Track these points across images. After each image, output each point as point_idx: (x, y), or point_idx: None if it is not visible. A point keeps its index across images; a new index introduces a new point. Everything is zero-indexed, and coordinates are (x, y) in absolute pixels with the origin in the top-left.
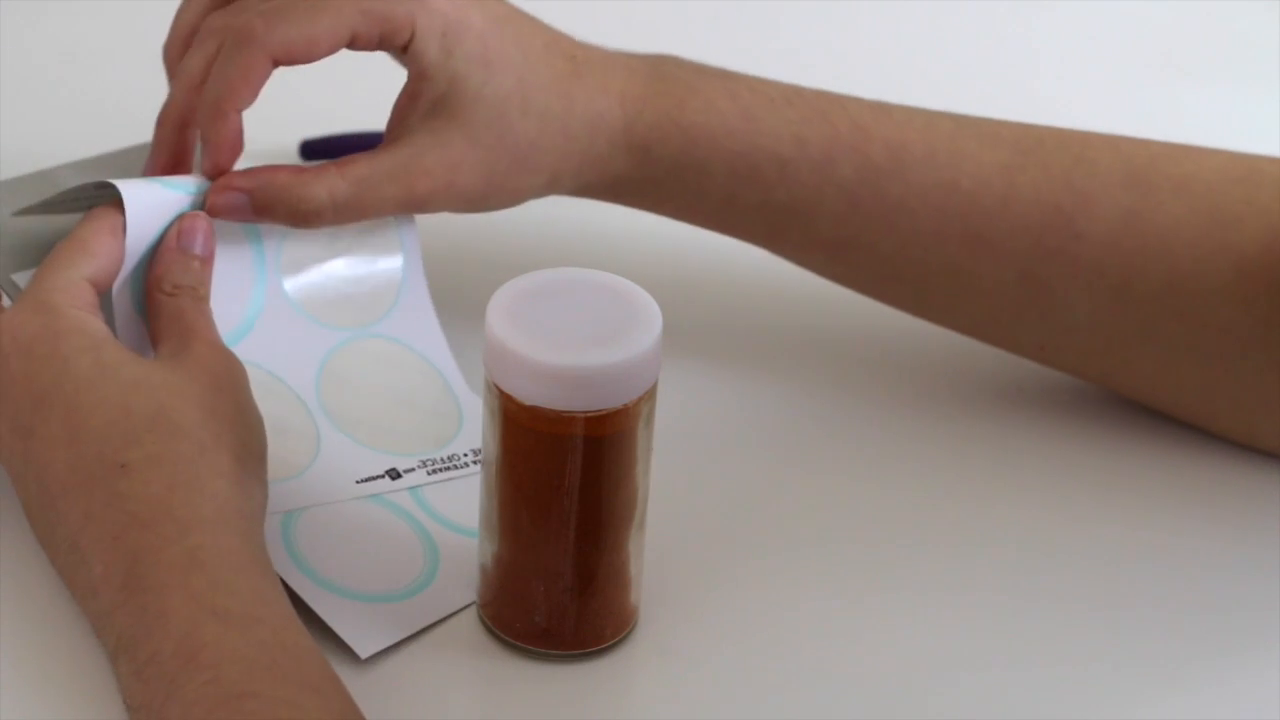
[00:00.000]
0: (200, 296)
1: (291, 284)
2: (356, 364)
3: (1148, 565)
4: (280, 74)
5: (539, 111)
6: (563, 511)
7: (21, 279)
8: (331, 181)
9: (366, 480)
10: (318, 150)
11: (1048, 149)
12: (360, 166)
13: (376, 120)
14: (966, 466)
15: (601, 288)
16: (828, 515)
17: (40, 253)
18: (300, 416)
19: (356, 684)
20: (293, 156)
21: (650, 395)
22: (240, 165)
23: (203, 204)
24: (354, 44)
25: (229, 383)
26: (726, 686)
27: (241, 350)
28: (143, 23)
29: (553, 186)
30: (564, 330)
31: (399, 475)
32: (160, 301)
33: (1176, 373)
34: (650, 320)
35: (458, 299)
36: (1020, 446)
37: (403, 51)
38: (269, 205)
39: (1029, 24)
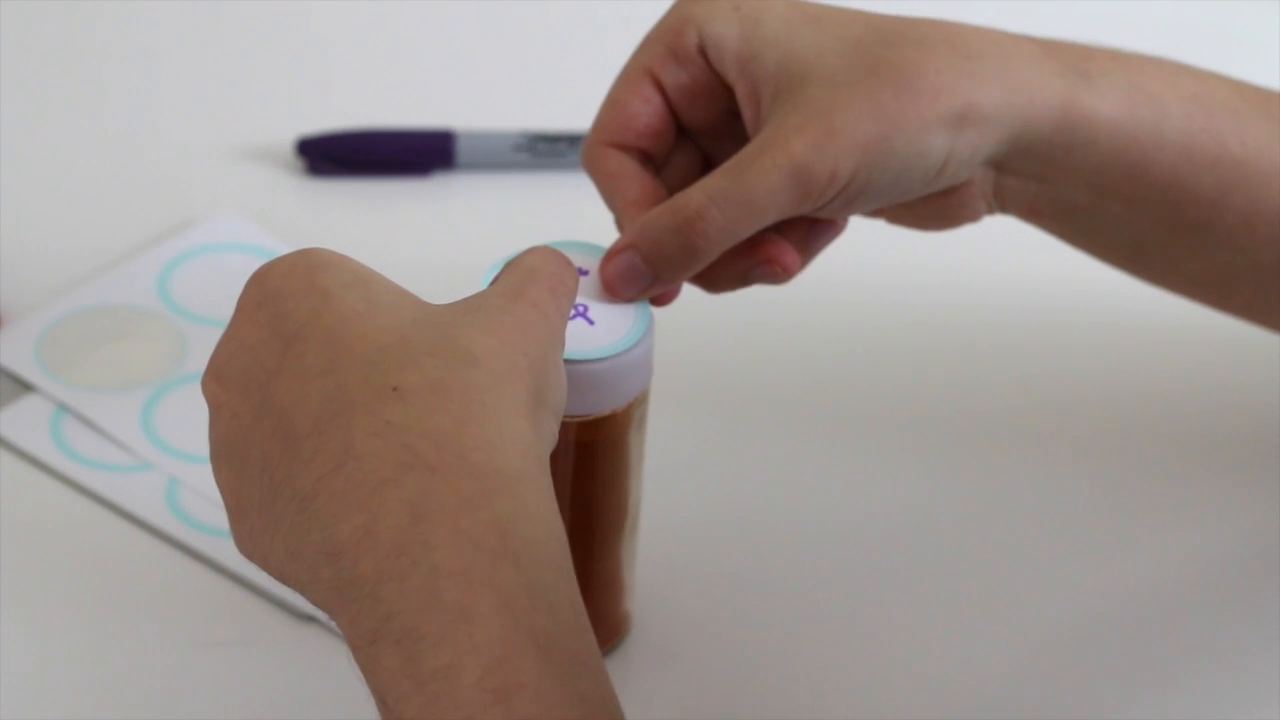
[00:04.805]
0: (568, 293)
1: None
2: None
3: (1147, 567)
4: (278, 71)
5: (917, 39)
6: None
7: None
8: (702, 183)
9: None
10: (316, 148)
11: None
12: (727, 161)
13: (376, 119)
14: (966, 471)
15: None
16: (823, 521)
17: None
18: None
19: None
20: (291, 154)
21: (643, 400)
22: (236, 164)
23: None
24: None
25: (539, 335)
26: (721, 693)
27: None
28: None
29: (969, 127)
30: None
31: None
32: (528, 261)
33: None
34: (643, 324)
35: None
36: (1022, 450)
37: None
38: (655, 243)
39: (1029, 23)
